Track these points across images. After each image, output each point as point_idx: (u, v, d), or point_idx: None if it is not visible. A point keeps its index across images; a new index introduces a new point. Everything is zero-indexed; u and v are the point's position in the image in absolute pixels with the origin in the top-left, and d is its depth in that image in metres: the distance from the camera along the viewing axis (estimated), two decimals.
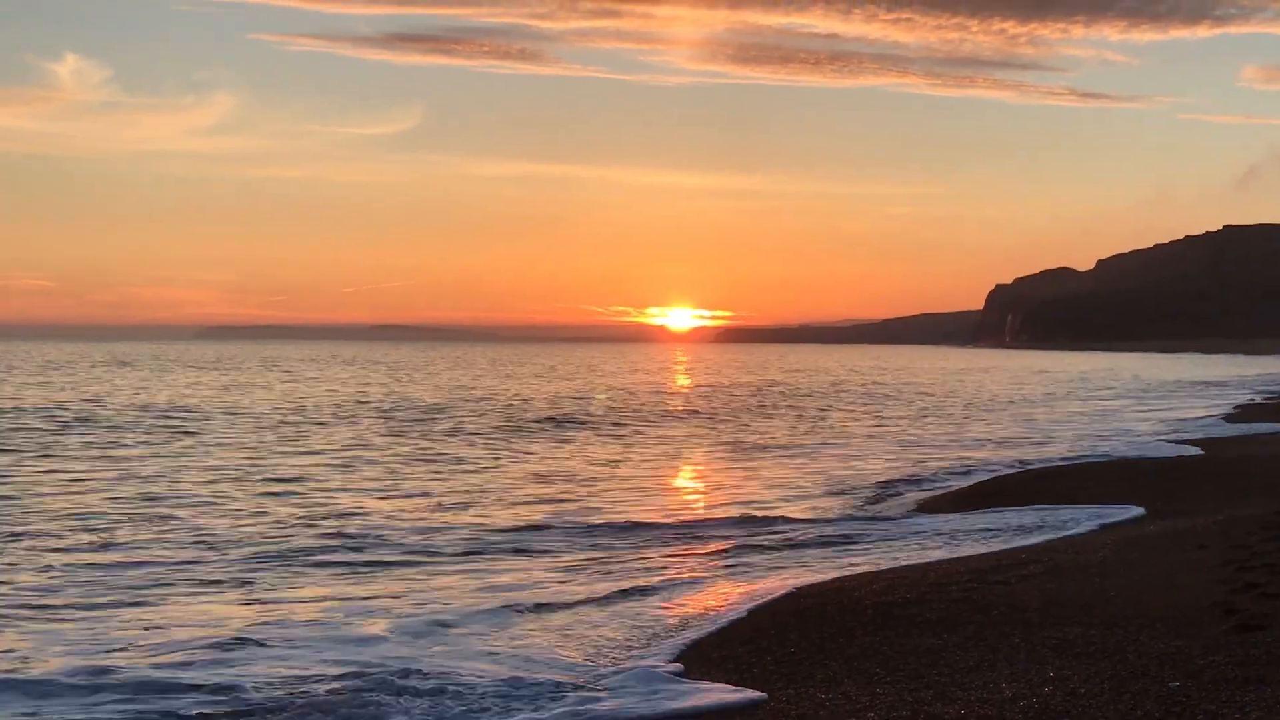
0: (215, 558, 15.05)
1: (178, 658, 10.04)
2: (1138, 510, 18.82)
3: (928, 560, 15.08)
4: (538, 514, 19.18)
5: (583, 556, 15.55)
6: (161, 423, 38.04)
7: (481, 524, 18.05)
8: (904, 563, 14.81)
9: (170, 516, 18.28)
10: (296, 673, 9.57)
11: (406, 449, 30.72)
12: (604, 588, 13.38)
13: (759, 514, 19.35)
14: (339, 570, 14.46)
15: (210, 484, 22.60)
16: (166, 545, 15.86)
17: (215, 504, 19.91)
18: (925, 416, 46.51)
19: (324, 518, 18.37)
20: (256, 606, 12.31)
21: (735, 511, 19.72)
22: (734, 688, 9.14)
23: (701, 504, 21.20)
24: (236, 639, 10.56)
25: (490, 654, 10.45)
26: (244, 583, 13.50)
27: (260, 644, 10.42)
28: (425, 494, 21.72)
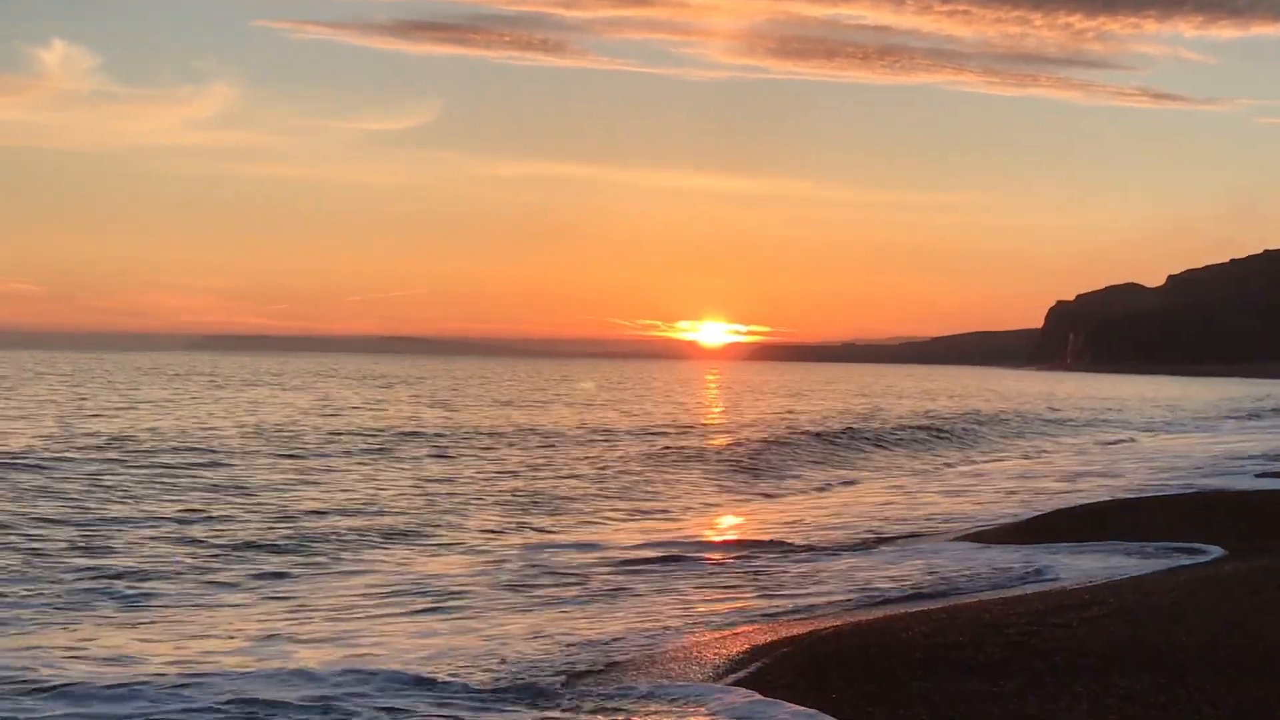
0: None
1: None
2: (1214, 549, 18.69)
3: (980, 599, 15.04)
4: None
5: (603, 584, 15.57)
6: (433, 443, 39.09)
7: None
8: (954, 601, 14.77)
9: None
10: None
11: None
12: (611, 621, 13.37)
13: (794, 542, 19.35)
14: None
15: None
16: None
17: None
18: (989, 445, 46.21)
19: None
20: None
21: (779, 537, 19.74)
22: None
23: (733, 532, 21.18)
24: None
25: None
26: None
27: None
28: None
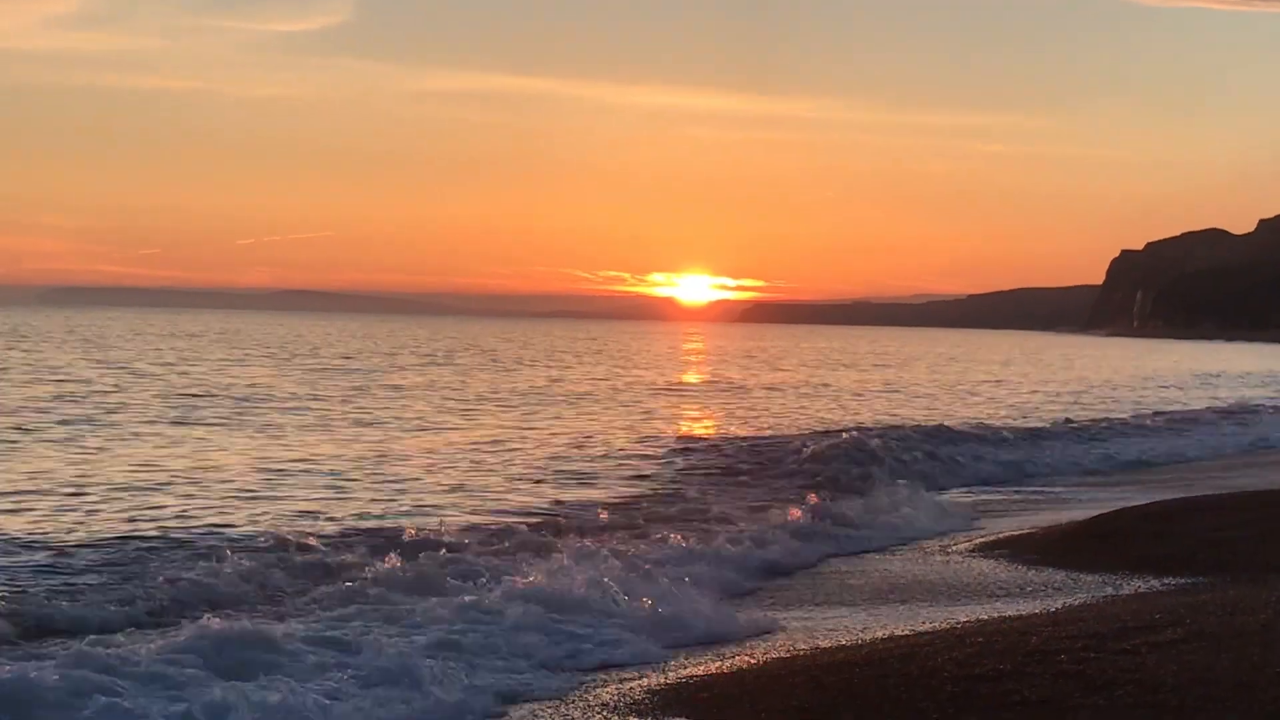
0: None
1: None
2: None
3: (1023, 614, 15.11)
4: None
5: None
6: None
7: None
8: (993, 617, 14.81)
9: None
10: None
11: None
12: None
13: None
14: None
15: None
16: None
17: None
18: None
19: None
20: None
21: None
22: None
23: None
24: None
25: None
26: None
27: None
28: None
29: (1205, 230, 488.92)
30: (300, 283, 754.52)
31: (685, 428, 43.67)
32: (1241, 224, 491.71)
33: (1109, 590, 17.22)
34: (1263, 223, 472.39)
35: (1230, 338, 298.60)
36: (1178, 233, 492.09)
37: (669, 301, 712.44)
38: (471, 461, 31.63)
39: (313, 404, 46.96)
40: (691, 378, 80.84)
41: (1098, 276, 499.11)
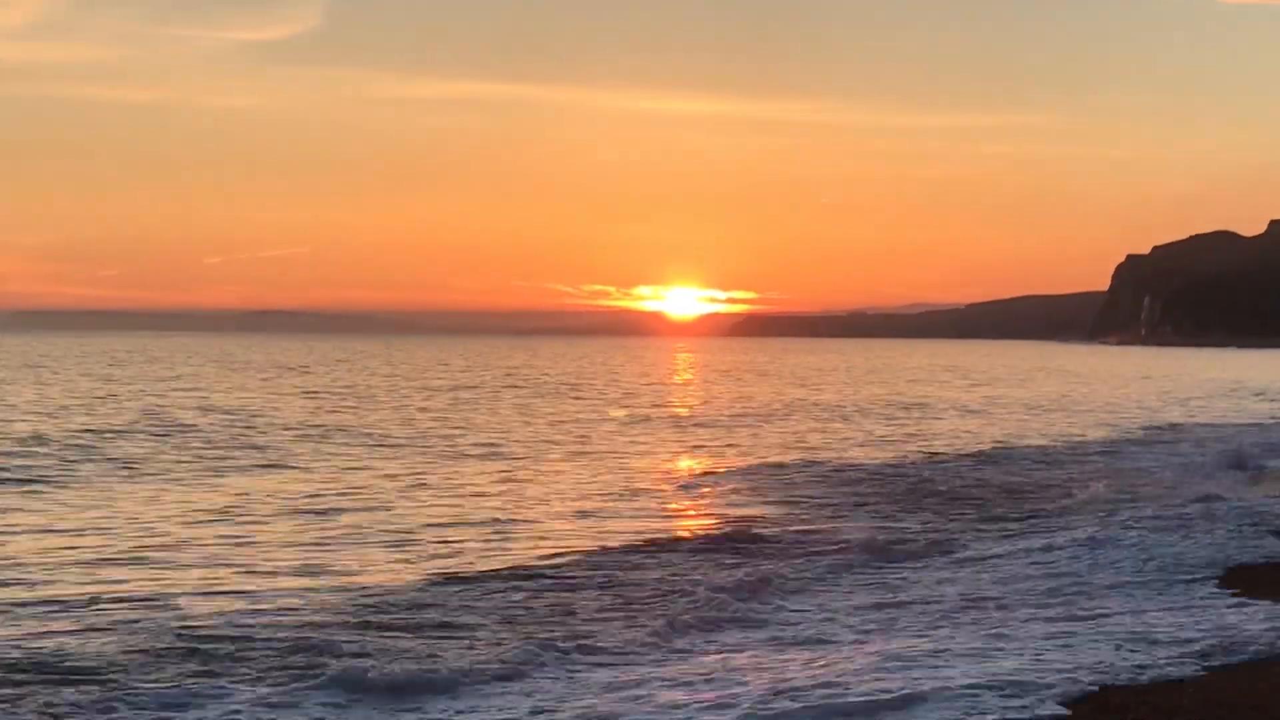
0: None
1: None
2: None
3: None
4: None
5: None
6: None
7: None
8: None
9: None
10: None
11: None
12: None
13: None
14: None
15: None
16: None
17: None
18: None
19: None
20: None
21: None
22: None
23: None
24: None
25: None
26: None
27: None
28: None
29: (1214, 232, 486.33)
30: (271, 302, 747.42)
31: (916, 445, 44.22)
32: (1252, 225, 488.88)
33: None
34: (1274, 224, 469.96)
35: (1243, 345, 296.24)
36: (1185, 235, 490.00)
37: (657, 316, 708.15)
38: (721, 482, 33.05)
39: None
40: (800, 393, 78.78)
41: (1102, 283, 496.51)
